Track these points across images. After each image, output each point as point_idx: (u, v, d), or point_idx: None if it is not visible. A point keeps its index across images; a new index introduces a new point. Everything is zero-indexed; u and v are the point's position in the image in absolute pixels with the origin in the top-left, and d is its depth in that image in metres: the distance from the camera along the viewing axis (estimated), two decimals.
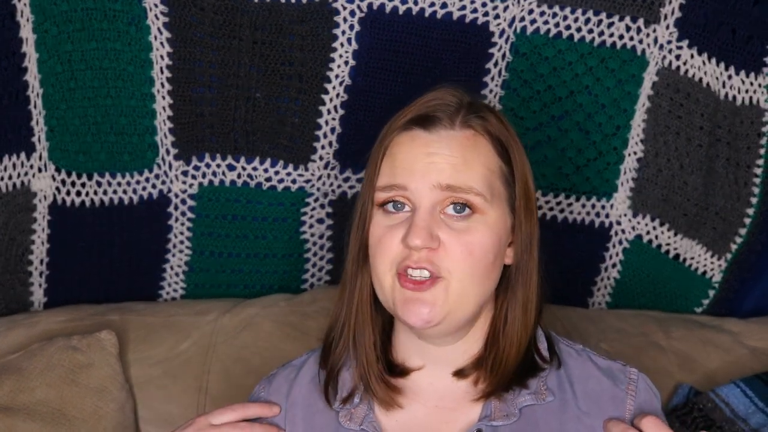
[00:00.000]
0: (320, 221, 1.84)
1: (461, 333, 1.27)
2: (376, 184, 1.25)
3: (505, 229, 1.25)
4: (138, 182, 1.77)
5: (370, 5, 1.68)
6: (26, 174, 1.72)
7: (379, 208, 1.25)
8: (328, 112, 1.75)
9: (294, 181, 1.79)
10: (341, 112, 1.75)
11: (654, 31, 1.74)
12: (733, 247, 1.82)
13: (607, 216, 1.88)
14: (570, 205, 1.86)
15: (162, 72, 1.70)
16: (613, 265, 1.92)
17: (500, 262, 1.26)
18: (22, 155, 1.70)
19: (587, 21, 1.73)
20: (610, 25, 1.73)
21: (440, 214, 1.22)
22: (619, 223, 1.89)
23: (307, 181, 1.80)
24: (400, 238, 1.22)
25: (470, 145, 1.24)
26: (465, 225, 1.22)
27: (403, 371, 1.30)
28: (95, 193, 1.77)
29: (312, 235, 1.84)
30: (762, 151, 1.73)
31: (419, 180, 1.22)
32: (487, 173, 1.23)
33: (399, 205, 1.24)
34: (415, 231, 1.20)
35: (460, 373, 1.28)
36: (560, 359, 1.30)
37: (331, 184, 1.80)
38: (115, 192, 1.77)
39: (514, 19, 1.72)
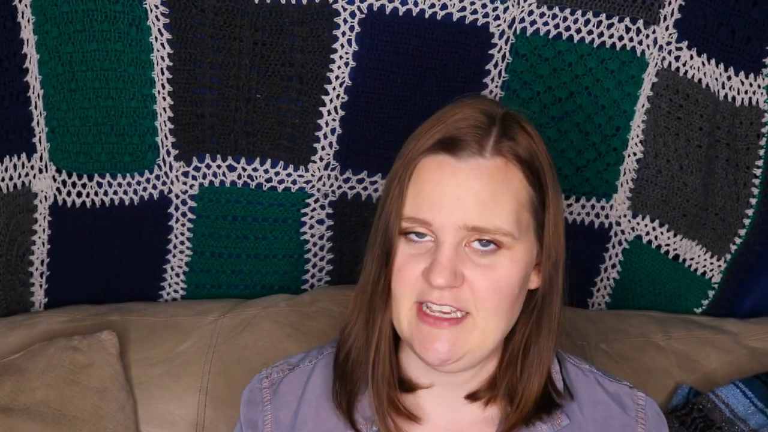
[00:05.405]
0: (320, 222, 1.84)
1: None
2: (402, 213, 1.17)
3: (531, 258, 1.20)
4: (139, 183, 1.77)
5: (370, 6, 1.69)
6: (27, 175, 1.72)
7: (401, 235, 1.18)
8: (329, 113, 1.75)
9: (294, 182, 1.80)
10: (341, 113, 1.75)
11: (653, 32, 1.74)
12: (733, 247, 1.82)
13: (606, 217, 1.88)
14: (570, 206, 1.86)
15: (163, 73, 1.70)
16: (613, 266, 1.92)
17: (525, 291, 1.21)
18: (23, 156, 1.70)
19: (587, 22, 1.73)
20: (610, 26, 1.73)
21: (465, 247, 1.16)
22: (618, 224, 1.89)
23: (308, 182, 1.80)
24: (421, 270, 1.16)
25: (500, 178, 1.16)
26: (491, 260, 1.16)
27: (411, 387, 1.26)
28: (96, 194, 1.77)
29: (312, 235, 1.84)
30: (761, 152, 1.73)
31: (445, 217, 1.15)
32: (516, 207, 1.17)
33: (421, 235, 1.17)
34: (438, 269, 1.14)
35: (473, 396, 1.25)
36: (571, 390, 1.27)
37: (332, 185, 1.80)
38: (115, 193, 1.77)
39: (513, 20, 1.72)
